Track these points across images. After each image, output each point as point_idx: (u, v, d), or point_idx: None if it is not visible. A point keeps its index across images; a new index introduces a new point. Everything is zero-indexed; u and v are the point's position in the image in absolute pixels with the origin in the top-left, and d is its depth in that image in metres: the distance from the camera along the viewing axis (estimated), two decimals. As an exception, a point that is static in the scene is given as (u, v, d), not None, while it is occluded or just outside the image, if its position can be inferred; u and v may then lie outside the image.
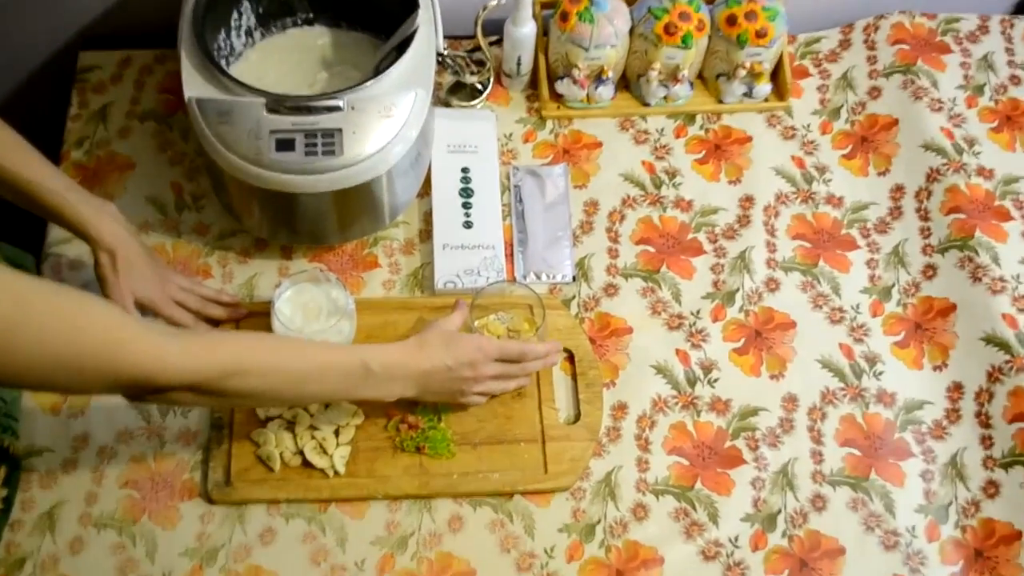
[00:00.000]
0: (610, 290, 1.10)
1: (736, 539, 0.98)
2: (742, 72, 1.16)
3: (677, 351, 1.07)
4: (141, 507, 0.96)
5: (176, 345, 0.76)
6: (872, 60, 1.22)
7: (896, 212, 1.14)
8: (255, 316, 1.04)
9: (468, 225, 1.07)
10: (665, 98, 1.19)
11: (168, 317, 0.99)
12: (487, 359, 0.93)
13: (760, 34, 1.13)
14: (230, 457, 0.97)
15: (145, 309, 0.99)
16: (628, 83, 1.21)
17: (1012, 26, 1.26)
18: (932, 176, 1.14)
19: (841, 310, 1.10)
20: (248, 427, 0.98)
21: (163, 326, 0.84)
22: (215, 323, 1.04)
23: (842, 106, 1.22)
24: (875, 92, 1.22)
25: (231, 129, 0.94)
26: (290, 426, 0.98)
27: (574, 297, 1.09)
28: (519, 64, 1.17)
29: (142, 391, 0.76)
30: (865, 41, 1.23)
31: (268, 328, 0.97)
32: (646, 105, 1.20)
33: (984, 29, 1.25)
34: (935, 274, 1.10)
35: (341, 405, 1.00)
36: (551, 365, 0.98)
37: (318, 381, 0.86)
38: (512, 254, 1.09)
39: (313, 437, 0.97)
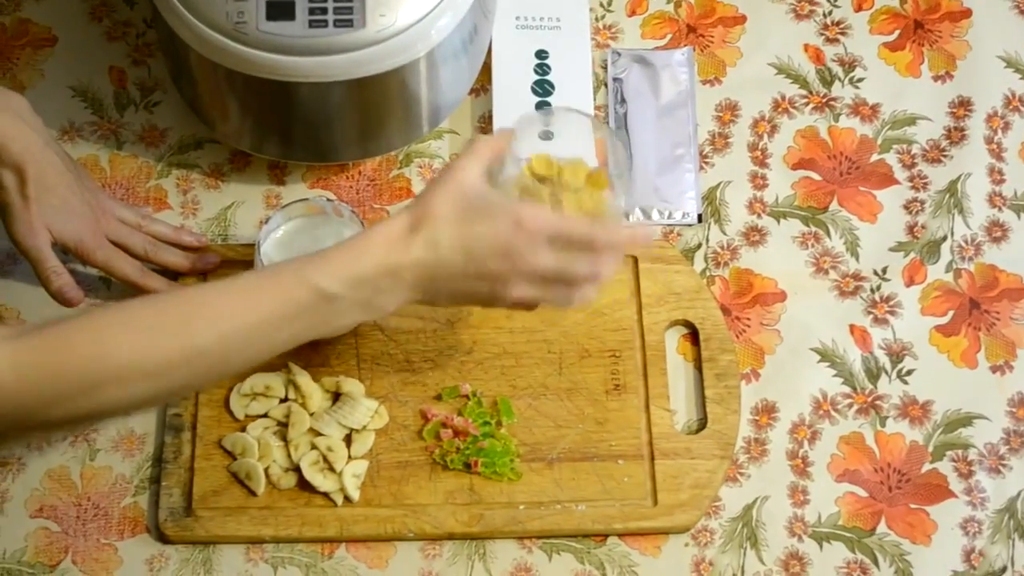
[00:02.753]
0: (753, 236, 1.05)
1: (939, 610, 0.92)
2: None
3: (852, 328, 1.01)
4: (62, 546, 0.93)
5: (10, 350, 0.71)
6: None
7: None
8: (231, 265, 0.99)
9: (546, 136, 1.01)
10: (841, -50, 1.12)
11: (102, 265, 0.95)
12: (533, 242, 0.80)
13: None
14: (192, 474, 0.93)
15: (69, 252, 0.94)
16: (785, -74, 1.15)
17: None
18: None
19: (1103, 272, 1.03)
20: (219, 429, 0.94)
21: None
22: (173, 276, 0.99)
23: (1114, -39, 1.15)
24: None
25: (201, -15, 0.93)
26: (282, 429, 0.93)
27: (700, 246, 1.04)
28: None
29: None
30: None
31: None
32: (812, -40, 1.14)
33: None
34: None
35: (357, 402, 0.94)
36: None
37: (245, 345, 0.80)
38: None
39: (314, 446, 0.93)
